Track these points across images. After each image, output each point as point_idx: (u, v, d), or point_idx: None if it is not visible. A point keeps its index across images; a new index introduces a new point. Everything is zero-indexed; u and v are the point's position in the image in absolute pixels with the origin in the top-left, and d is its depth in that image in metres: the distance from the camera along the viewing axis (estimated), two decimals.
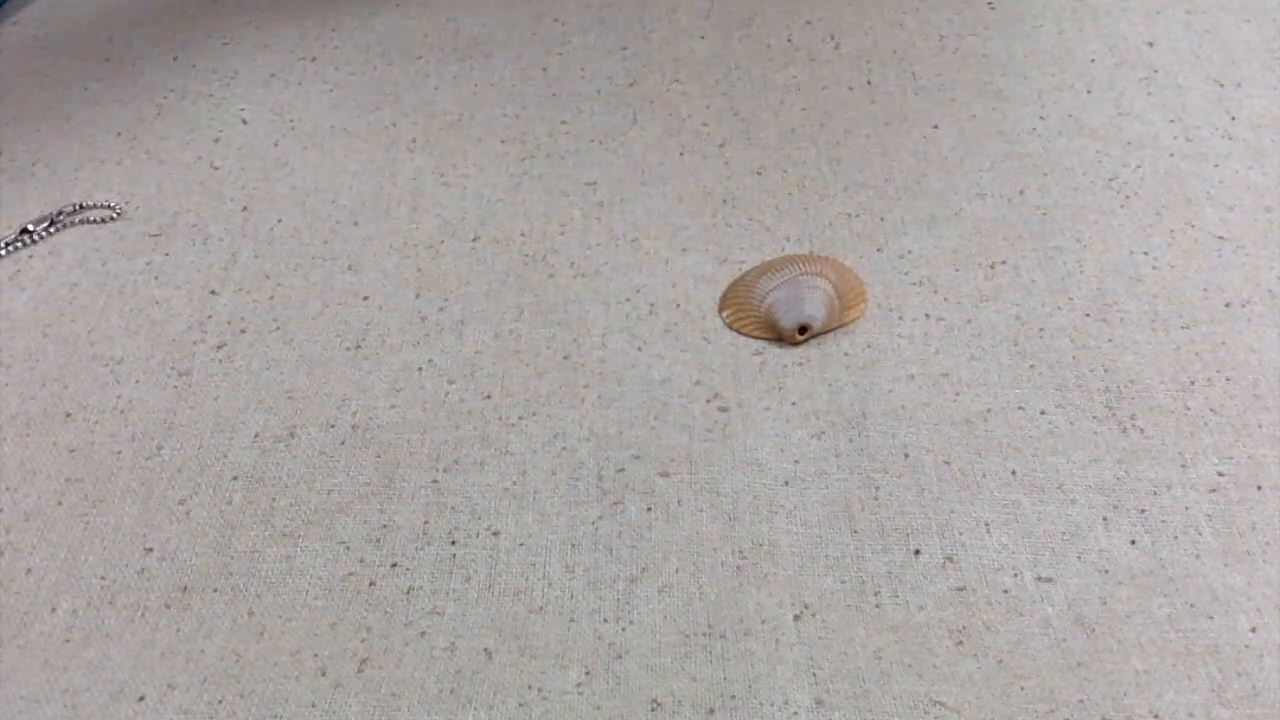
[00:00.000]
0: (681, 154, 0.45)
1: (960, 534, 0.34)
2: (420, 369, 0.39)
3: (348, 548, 0.35)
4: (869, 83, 0.47)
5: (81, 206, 0.44)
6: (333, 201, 0.44)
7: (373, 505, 0.35)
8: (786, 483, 0.36)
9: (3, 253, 0.43)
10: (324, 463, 0.36)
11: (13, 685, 0.32)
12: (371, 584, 0.34)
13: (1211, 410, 0.36)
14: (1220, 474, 0.35)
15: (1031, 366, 0.38)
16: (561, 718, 0.31)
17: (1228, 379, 0.37)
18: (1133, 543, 0.34)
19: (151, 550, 0.35)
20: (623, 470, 0.36)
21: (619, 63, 0.48)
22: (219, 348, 0.40)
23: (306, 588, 0.34)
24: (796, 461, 0.36)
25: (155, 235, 0.43)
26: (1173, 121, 0.45)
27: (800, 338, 0.39)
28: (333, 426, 0.37)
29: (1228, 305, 0.39)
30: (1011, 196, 0.43)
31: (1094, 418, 0.36)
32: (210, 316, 0.40)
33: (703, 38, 0.49)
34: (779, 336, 0.39)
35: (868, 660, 0.32)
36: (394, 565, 0.34)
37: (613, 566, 0.34)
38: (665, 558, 0.34)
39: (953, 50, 0.48)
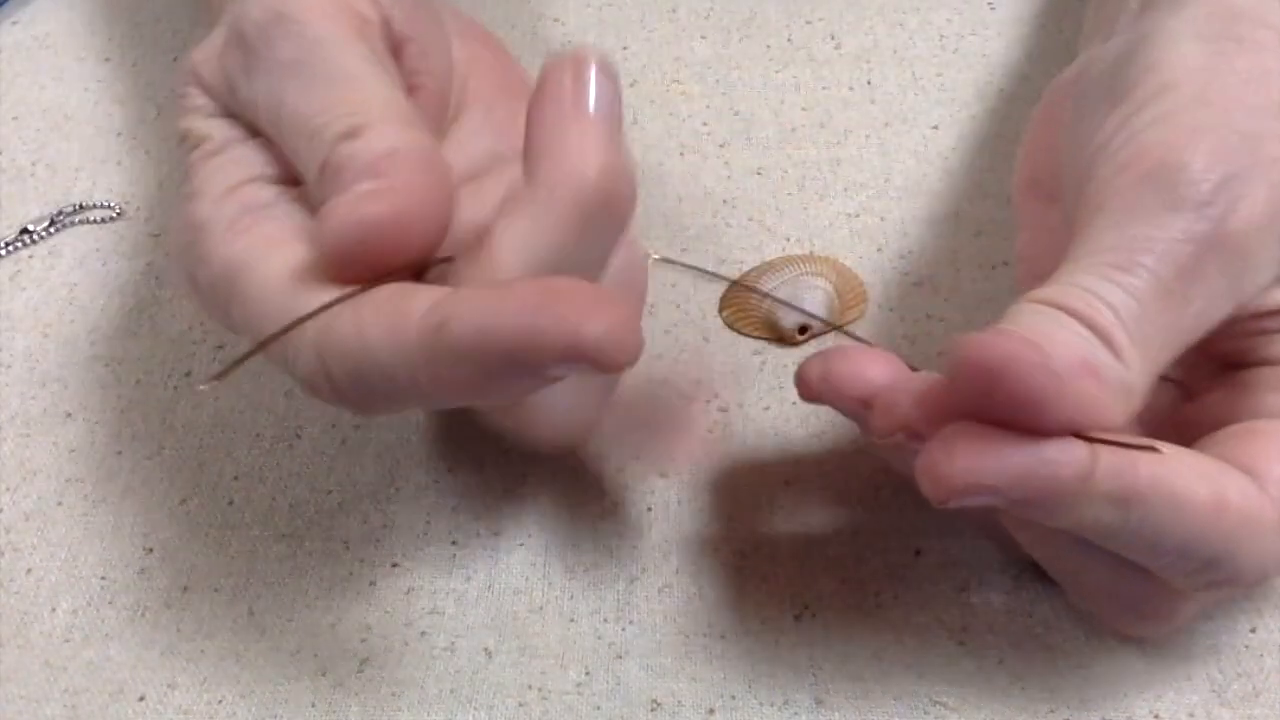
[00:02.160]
0: (681, 154, 0.45)
1: (961, 534, 0.34)
2: None
3: (348, 547, 0.35)
4: (869, 83, 0.47)
5: (81, 206, 0.44)
6: None
7: (373, 505, 0.35)
8: (786, 483, 0.36)
9: (3, 253, 0.43)
10: (324, 462, 0.36)
11: (13, 685, 0.32)
12: (372, 584, 0.34)
13: None
14: None
15: None
16: (561, 717, 0.31)
17: None
18: None
19: (151, 550, 0.35)
20: (622, 470, 0.36)
21: (619, 63, 0.48)
22: (219, 348, 0.40)
23: (307, 588, 0.34)
24: (796, 461, 0.36)
25: (155, 235, 0.43)
26: None
27: (800, 338, 0.39)
28: (334, 426, 0.37)
29: None
30: (1012, 197, 0.43)
31: None
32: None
33: (703, 37, 0.49)
34: (779, 336, 0.39)
35: (868, 660, 0.32)
36: (394, 565, 0.34)
37: (613, 566, 0.34)
38: (665, 558, 0.34)
39: (953, 50, 0.48)
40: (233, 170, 0.30)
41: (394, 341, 0.25)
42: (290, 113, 0.29)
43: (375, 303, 0.26)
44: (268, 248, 0.28)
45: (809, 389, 0.29)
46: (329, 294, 0.26)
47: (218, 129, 0.31)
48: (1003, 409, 0.23)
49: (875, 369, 0.28)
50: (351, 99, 0.28)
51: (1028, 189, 0.34)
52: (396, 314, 0.25)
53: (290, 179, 0.30)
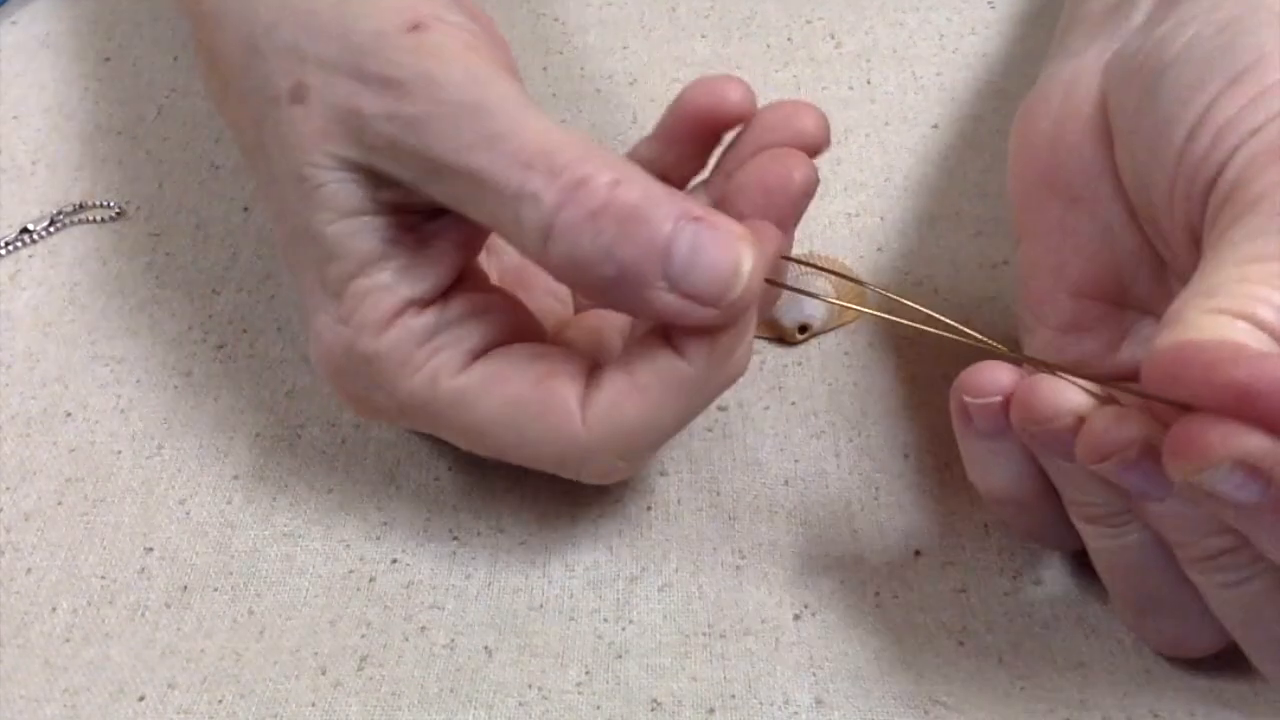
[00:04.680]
0: None
1: (960, 535, 0.34)
2: None
3: (348, 545, 0.35)
4: (869, 82, 0.47)
5: (81, 206, 0.44)
6: None
7: (373, 503, 0.35)
8: (786, 482, 0.36)
9: (3, 253, 0.43)
10: (325, 461, 0.36)
11: (13, 685, 0.32)
12: (372, 580, 0.34)
13: None
14: None
15: None
16: (561, 717, 0.31)
17: None
18: None
19: (151, 550, 0.35)
20: None
21: (619, 62, 0.48)
22: (219, 348, 0.39)
23: (306, 586, 0.34)
24: (796, 461, 0.36)
25: (155, 235, 0.43)
26: None
27: (800, 337, 0.39)
28: (333, 425, 0.37)
29: None
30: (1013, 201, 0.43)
31: None
32: (210, 316, 0.40)
33: (703, 37, 0.49)
34: (779, 336, 0.39)
35: (868, 660, 0.32)
36: (394, 561, 0.34)
37: (612, 565, 0.34)
38: (665, 557, 0.34)
39: (953, 50, 0.48)
40: (384, 299, 0.30)
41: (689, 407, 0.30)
42: (482, 180, 0.28)
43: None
44: (489, 385, 0.30)
45: (994, 423, 0.29)
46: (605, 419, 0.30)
47: (356, 239, 0.30)
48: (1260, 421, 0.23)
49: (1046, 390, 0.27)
50: (541, 148, 0.28)
51: (1036, 192, 0.33)
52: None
53: (436, 291, 0.31)
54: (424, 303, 0.31)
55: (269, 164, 0.31)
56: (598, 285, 0.28)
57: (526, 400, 0.30)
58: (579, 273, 0.28)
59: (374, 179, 0.30)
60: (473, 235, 0.31)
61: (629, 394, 0.29)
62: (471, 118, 0.28)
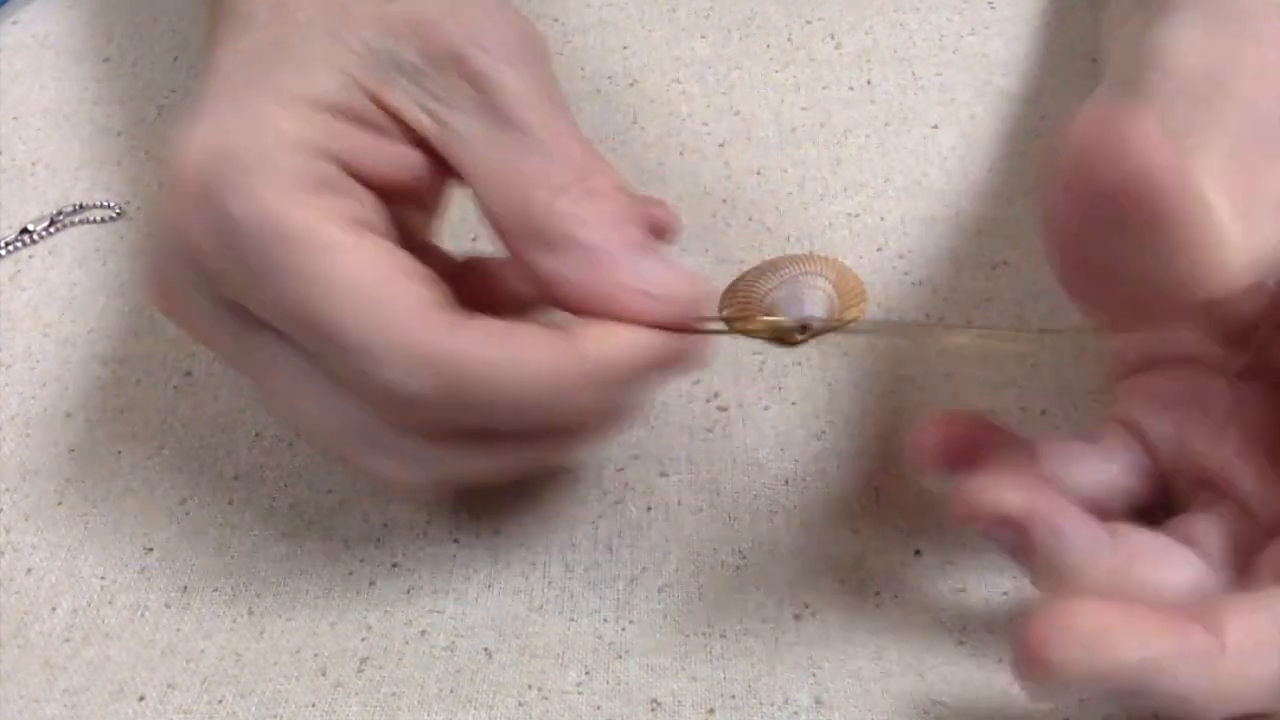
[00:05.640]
0: (681, 154, 0.45)
1: (960, 535, 0.34)
2: None
3: (348, 547, 0.35)
4: (869, 83, 0.47)
5: (81, 206, 0.44)
6: None
7: (373, 504, 0.35)
8: (786, 482, 0.36)
9: (3, 253, 0.43)
10: (325, 461, 0.36)
11: (13, 685, 0.32)
12: (372, 583, 0.34)
13: None
14: None
15: (1032, 366, 0.38)
16: (561, 717, 0.31)
17: None
18: None
19: (151, 550, 0.35)
20: (622, 470, 0.36)
21: (619, 63, 0.48)
22: None
23: (307, 587, 0.34)
24: (796, 461, 0.36)
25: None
26: None
27: (800, 337, 0.39)
28: None
29: None
30: (1012, 197, 0.43)
31: (1095, 418, 0.36)
32: None
33: (703, 37, 0.49)
34: (779, 336, 0.39)
35: (868, 660, 0.32)
36: (394, 565, 0.34)
37: (612, 566, 0.34)
38: (665, 557, 0.34)
39: (953, 50, 0.48)
40: (319, 131, 0.28)
41: (553, 370, 0.27)
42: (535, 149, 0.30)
43: (533, 335, 0.28)
44: (373, 255, 0.27)
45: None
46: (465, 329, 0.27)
47: (343, 91, 0.29)
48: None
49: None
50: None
51: None
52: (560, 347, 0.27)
53: (367, 177, 0.29)
54: (349, 172, 0.29)
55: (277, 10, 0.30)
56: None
57: (384, 280, 0.27)
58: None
59: (394, 85, 0.29)
60: (433, 191, 0.32)
61: (487, 337, 0.27)
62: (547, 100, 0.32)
